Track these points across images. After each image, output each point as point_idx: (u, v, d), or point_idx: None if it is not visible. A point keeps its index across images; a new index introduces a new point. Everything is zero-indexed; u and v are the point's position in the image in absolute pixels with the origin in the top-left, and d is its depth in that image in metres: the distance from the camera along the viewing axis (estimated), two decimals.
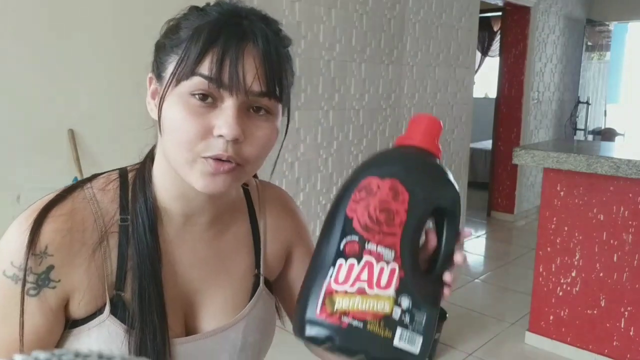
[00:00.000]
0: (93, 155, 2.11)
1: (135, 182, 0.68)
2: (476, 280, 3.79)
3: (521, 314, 3.10)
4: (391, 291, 0.55)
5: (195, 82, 0.59)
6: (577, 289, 2.63)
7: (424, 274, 0.59)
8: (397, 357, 0.55)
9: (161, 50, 0.64)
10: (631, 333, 2.49)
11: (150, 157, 0.70)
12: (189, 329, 0.71)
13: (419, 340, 0.56)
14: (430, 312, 0.57)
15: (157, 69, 0.64)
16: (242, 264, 0.76)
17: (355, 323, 0.54)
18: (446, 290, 0.60)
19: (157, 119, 0.63)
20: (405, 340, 0.55)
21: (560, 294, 2.69)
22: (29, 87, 1.95)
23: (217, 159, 0.60)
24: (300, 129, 2.94)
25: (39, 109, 1.98)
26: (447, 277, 0.60)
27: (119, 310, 0.64)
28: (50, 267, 0.61)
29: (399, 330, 0.55)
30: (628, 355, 2.51)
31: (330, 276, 0.55)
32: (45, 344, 0.63)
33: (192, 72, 0.58)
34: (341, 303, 0.54)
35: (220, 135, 0.59)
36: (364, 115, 3.33)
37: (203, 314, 0.72)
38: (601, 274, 2.56)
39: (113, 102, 2.12)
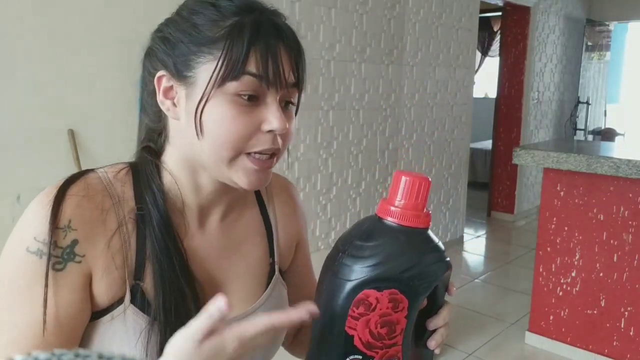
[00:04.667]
0: (93, 155, 2.11)
1: (145, 175, 0.68)
2: (476, 280, 3.79)
3: (521, 314, 3.11)
4: None
5: (244, 82, 0.60)
6: (577, 289, 2.63)
7: (418, 348, 0.62)
8: None
9: (178, 47, 0.63)
10: (631, 333, 2.49)
11: (151, 151, 0.69)
12: None
13: None
14: None
15: (176, 67, 0.63)
16: (256, 252, 0.76)
17: None
18: (437, 351, 0.64)
19: (187, 119, 0.63)
20: None
21: (560, 294, 2.69)
22: (29, 87, 1.95)
23: (263, 154, 0.63)
24: (300, 129, 2.94)
25: (39, 109, 1.98)
26: (432, 344, 0.63)
27: (138, 299, 0.64)
28: (75, 242, 0.61)
29: None
30: (628, 355, 2.51)
31: None
32: (77, 323, 0.61)
33: (241, 72, 0.60)
34: None
35: (270, 130, 0.62)
36: (364, 115, 3.33)
37: None
38: (601, 274, 2.56)
39: (113, 102, 2.11)
